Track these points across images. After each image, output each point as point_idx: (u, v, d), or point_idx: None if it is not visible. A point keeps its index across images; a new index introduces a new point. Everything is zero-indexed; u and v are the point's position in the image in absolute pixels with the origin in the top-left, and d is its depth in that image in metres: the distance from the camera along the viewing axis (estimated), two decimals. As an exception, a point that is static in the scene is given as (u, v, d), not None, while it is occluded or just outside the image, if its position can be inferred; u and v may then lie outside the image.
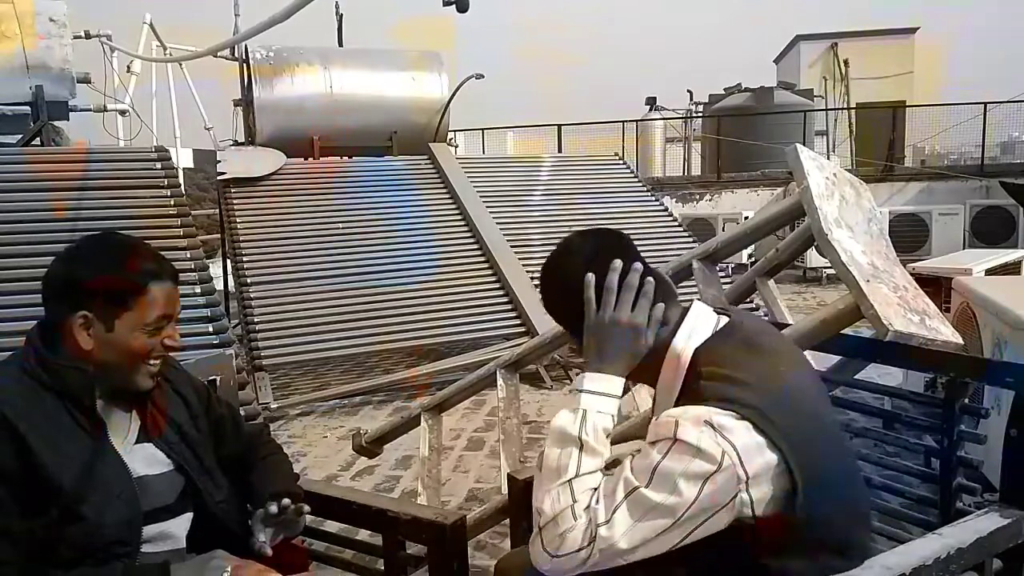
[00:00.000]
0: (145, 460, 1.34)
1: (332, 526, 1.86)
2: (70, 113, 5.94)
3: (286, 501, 1.35)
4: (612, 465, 1.15)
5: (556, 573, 1.09)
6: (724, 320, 1.23)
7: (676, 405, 1.13)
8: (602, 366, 1.17)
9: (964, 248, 9.08)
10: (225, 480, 1.45)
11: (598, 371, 1.17)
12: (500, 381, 2.52)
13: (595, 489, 1.09)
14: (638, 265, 1.19)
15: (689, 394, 1.13)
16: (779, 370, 1.15)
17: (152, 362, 1.32)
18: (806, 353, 2.36)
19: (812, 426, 1.12)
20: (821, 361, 2.81)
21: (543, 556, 1.09)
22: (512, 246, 5.77)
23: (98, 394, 1.30)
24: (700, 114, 17.59)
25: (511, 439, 2.39)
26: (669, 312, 1.21)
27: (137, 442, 1.35)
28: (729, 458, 1.02)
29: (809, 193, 1.87)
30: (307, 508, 1.42)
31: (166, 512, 1.34)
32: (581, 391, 1.16)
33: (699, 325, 1.20)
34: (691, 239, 6.31)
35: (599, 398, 1.15)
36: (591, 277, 1.18)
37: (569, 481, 1.10)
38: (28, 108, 5.51)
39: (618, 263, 1.19)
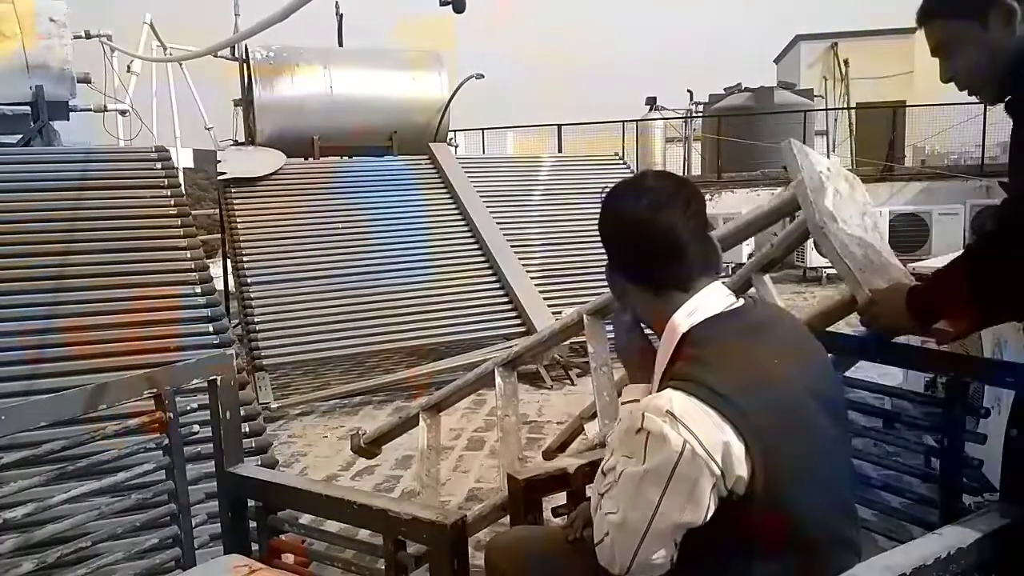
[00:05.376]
0: None
1: (332, 526, 1.86)
2: (70, 113, 5.93)
3: None
4: None
5: (608, 566, 1.14)
6: (737, 304, 1.23)
7: (662, 378, 1.18)
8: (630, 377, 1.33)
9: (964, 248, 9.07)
10: None
11: (628, 383, 1.33)
12: (498, 379, 2.53)
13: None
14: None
15: (671, 369, 1.17)
16: (769, 360, 1.16)
17: None
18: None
19: (788, 421, 1.12)
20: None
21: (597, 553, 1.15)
22: (512, 246, 5.77)
23: None
24: (700, 114, 17.56)
25: (509, 436, 2.39)
26: (685, 279, 1.22)
27: None
28: (690, 446, 1.05)
29: (803, 186, 1.87)
30: None
31: None
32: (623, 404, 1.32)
33: (705, 304, 1.21)
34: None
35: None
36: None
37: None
38: (28, 108, 5.51)
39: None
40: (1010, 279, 1.40)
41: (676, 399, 1.08)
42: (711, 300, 1.21)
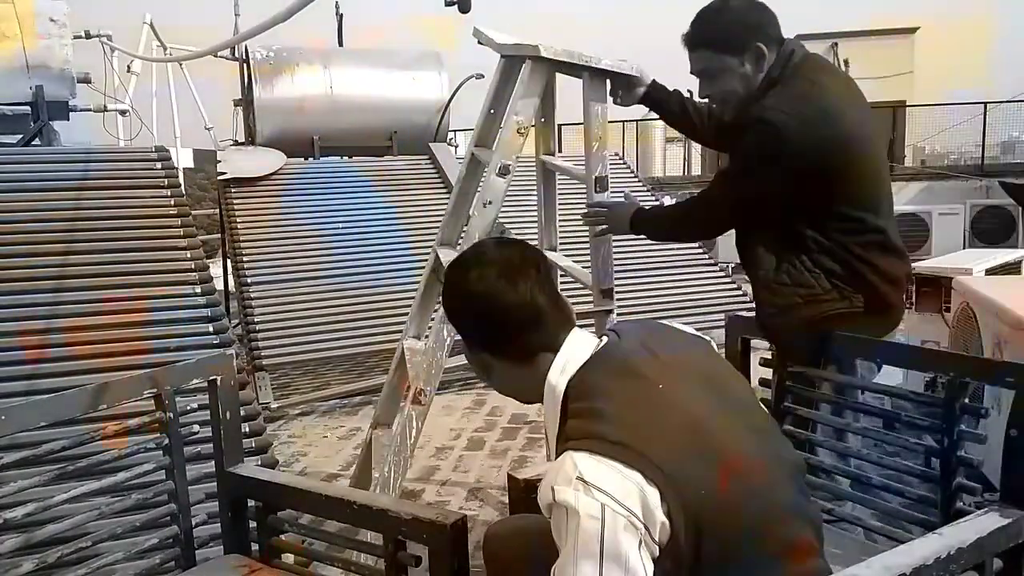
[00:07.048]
0: None
1: (332, 526, 1.86)
2: (70, 113, 5.93)
3: None
4: None
5: None
6: (602, 344, 1.22)
7: (557, 441, 1.15)
8: None
9: (964, 248, 9.08)
10: None
11: None
12: (407, 349, 2.87)
13: None
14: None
15: (563, 432, 1.13)
16: (654, 391, 1.14)
17: None
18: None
19: (690, 443, 1.10)
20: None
21: None
22: (512, 246, 5.77)
23: None
24: (700, 114, 17.54)
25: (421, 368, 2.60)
26: (551, 339, 1.21)
27: None
28: (610, 509, 1.01)
29: (494, 42, 2.45)
30: None
31: None
32: None
33: (573, 355, 1.19)
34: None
35: None
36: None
37: None
38: (28, 108, 5.51)
39: None
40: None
41: (581, 461, 1.04)
42: (577, 349, 1.20)
